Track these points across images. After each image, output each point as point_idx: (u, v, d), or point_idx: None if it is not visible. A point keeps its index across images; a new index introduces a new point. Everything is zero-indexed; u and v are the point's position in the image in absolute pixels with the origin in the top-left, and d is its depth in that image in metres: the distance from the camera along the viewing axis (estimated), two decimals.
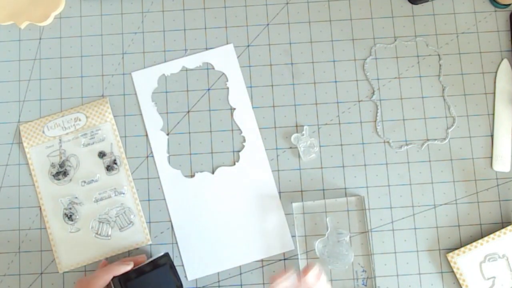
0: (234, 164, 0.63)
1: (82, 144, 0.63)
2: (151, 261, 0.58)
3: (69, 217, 0.62)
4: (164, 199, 0.63)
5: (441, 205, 0.62)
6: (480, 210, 0.62)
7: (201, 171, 0.63)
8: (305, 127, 0.64)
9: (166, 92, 0.65)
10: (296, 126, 0.64)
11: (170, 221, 0.62)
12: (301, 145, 0.63)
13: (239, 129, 0.64)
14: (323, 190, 0.63)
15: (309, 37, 0.66)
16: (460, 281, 0.60)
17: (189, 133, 0.64)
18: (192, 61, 0.66)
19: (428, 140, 0.64)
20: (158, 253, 0.59)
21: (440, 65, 0.65)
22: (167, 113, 0.65)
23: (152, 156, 0.64)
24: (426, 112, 0.64)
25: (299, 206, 0.62)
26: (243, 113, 0.64)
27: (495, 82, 0.65)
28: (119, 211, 0.62)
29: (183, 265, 0.61)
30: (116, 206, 0.62)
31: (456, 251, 0.60)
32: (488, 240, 0.60)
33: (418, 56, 0.65)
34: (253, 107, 0.64)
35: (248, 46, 0.66)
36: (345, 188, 0.63)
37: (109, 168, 0.63)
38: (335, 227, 0.61)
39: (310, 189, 0.63)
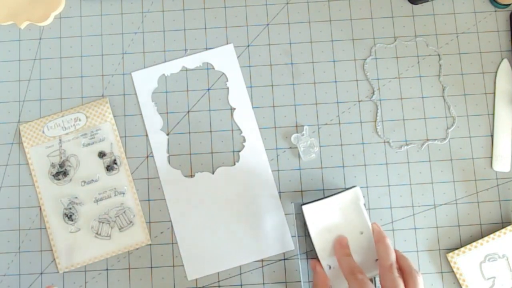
0: (234, 164, 0.63)
1: (82, 144, 0.63)
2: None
3: (69, 217, 0.62)
4: (164, 199, 0.63)
5: (441, 205, 0.62)
6: (480, 210, 0.62)
7: (201, 171, 0.63)
8: (305, 127, 0.64)
9: (166, 92, 0.65)
10: (296, 126, 0.64)
11: (170, 221, 0.62)
12: (301, 145, 0.63)
13: (239, 129, 0.64)
14: (323, 190, 0.63)
15: (309, 37, 0.66)
16: (460, 281, 0.60)
17: (189, 133, 0.64)
18: (192, 61, 0.66)
19: (428, 140, 0.64)
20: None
21: (440, 65, 0.65)
22: (167, 113, 0.65)
23: (152, 156, 0.64)
24: (426, 112, 0.64)
25: (299, 206, 0.62)
26: (243, 113, 0.64)
27: (495, 82, 0.65)
28: (119, 211, 0.62)
29: (183, 265, 0.61)
30: (116, 206, 0.62)
31: (456, 251, 0.60)
32: (488, 240, 0.60)
33: (418, 56, 0.65)
34: (253, 107, 0.65)
35: (248, 46, 0.66)
36: (345, 188, 0.63)
37: (109, 168, 0.63)
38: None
39: (310, 189, 0.63)
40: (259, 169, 0.63)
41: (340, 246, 0.55)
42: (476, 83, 0.65)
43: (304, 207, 0.57)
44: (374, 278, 0.58)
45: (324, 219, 0.57)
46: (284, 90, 0.65)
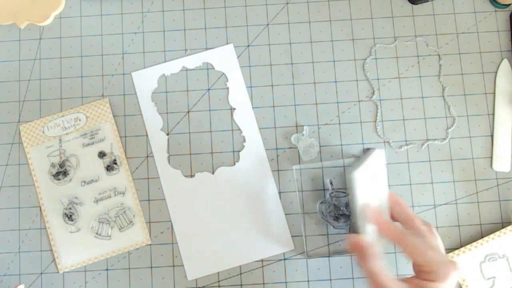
0: (234, 164, 0.63)
1: (82, 144, 0.63)
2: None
3: (69, 217, 0.62)
4: (164, 199, 0.63)
5: (441, 205, 0.62)
6: (480, 210, 0.62)
7: (201, 171, 0.63)
8: (305, 127, 0.64)
9: (166, 92, 0.65)
10: (296, 126, 0.64)
11: (170, 221, 0.62)
12: (301, 145, 0.63)
13: (239, 129, 0.64)
14: (323, 190, 0.63)
15: (309, 37, 0.66)
16: (460, 281, 0.60)
17: (189, 133, 0.64)
18: (192, 61, 0.66)
19: (428, 140, 0.64)
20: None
21: (440, 65, 0.65)
22: (167, 113, 0.65)
23: (152, 156, 0.64)
24: (426, 112, 0.64)
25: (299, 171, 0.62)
26: (243, 113, 0.64)
27: (495, 82, 0.65)
28: (119, 211, 0.62)
29: (183, 265, 0.61)
30: (116, 206, 0.62)
31: (456, 251, 0.60)
32: (488, 240, 0.60)
33: (418, 56, 0.65)
34: (253, 107, 0.65)
35: (248, 46, 0.66)
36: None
37: (109, 168, 0.63)
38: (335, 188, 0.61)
39: (310, 189, 0.63)
40: (259, 169, 0.63)
41: (380, 226, 0.52)
42: (476, 83, 0.65)
43: (355, 173, 0.48)
44: None
45: (365, 183, 0.51)
46: (284, 90, 0.65)
